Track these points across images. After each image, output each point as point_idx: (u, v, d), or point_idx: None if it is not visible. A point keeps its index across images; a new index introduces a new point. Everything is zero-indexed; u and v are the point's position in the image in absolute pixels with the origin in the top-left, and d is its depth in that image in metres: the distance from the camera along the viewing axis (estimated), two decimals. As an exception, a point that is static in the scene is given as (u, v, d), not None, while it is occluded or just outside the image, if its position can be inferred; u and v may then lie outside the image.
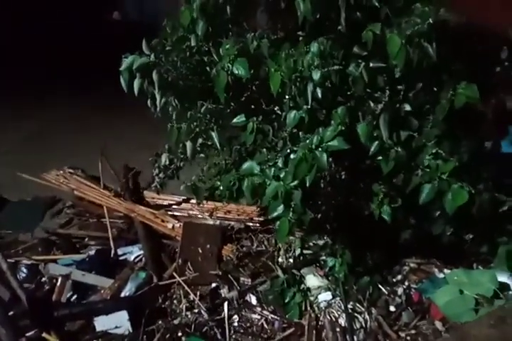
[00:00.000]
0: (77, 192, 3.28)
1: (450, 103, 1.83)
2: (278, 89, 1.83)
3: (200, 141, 2.28)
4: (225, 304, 2.27)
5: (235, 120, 2.08)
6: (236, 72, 1.85)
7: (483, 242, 2.28)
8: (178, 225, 2.89)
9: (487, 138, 2.39)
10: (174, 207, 3.17)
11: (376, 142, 1.85)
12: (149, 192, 3.19)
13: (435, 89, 1.94)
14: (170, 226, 2.90)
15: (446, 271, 2.41)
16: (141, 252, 2.81)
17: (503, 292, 2.10)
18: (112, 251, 2.80)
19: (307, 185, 1.80)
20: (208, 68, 2.09)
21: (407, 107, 1.90)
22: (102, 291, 2.51)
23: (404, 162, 1.94)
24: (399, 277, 2.45)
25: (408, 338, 2.14)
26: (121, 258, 2.81)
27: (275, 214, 1.97)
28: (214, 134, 2.15)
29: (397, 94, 1.93)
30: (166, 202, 3.21)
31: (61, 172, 3.46)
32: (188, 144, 2.25)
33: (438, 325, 2.20)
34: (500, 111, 2.45)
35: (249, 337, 2.24)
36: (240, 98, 2.15)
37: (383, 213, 1.93)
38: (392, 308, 2.28)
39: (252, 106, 2.19)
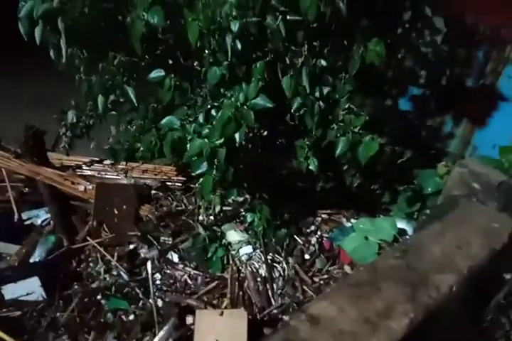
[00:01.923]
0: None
1: (361, 59, 1.92)
2: (196, 40, 1.76)
3: (112, 97, 2.14)
4: (148, 263, 2.24)
5: (151, 75, 1.96)
6: (151, 21, 1.74)
7: (385, 193, 2.52)
8: (90, 187, 2.74)
9: (389, 95, 2.59)
10: (85, 168, 2.99)
11: (298, 97, 1.90)
12: (57, 153, 2.96)
13: (347, 44, 2.01)
14: (81, 188, 2.74)
15: (353, 220, 2.63)
16: (49, 216, 2.64)
17: (402, 236, 2.36)
18: (16, 216, 2.58)
19: (237, 143, 1.81)
20: (120, 17, 1.93)
21: (323, 63, 1.95)
22: (9, 258, 2.33)
23: (323, 116, 2.03)
24: (312, 228, 2.62)
25: (321, 282, 2.33)
26: (26, 222, 2.62)
27: (199, 171, 1.96)
28: (129, 89, 2.02)
29: (314, 49, 1.98)
30: (75, 164, 3.01)
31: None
32: (100, 99, 2.09)
33: (347, 268, 2.43)
34: (399, 70, 2.64)
35: (173, 294, 2.26)
36: (155, 51, 2.04)
37: (311, 165, 2.01)
38: (307, 256, 2.45)
39: (170, 61, 2.10)
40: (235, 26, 1.69)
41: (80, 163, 3.03)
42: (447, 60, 2.67)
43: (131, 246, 2.56)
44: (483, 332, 1.87)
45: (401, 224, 2.43)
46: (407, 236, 2.41)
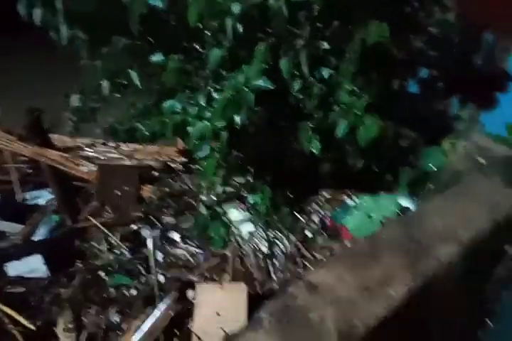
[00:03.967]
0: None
1: (363, 41, 1.89)
2: (196, 21, 1.74)
3: (116, 82, 2.13)
4: (149, 240, 2.24)
5: (154, 58, 1.95)
6: (151, 1, 1.72)
7: (388, 172, 2.50)
8: (93, 168, 2.74)
9: (396, 76, 2.55)
10: (89, 150, 2.99)
11: (298, 80, 1.88)
12: (60, 135, 2.97)
13: (350, 27, 1.98)
14: (85, 169, 2.75)
15: (356, 199, 2.62)
16: (52, 196, 2.65)
17: (404, 214, 2.36)
18: (19, 196, 2.60)
19: (238, 125, 1.80)
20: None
21: (325, 45, 1.93)
22: (12, 237, 2.35)
23: (324, 98, 2.01)
24: (315, 206, 2.61)
25: (323, 258, 2.33)
26: (30, 203, 2.63)
27: (201, 154, 1.96)
28: (134, 73, 2.01)
29: (316, 31, 1.95)
30: (79, 145, 3.02)
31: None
32: (105, 83, 2.09)
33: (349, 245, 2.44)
34: (407, 51, 2.60)
35: (175, 270, 2.27)
36: (157, 33, 2.02)
37: (313, 147, 2.00)
38: (308, 234, 2.44)
39: (172, 44, 2.07)
40: (236, 8, 1.67)
41: (84, 144, 3.04)
42: (456, 41, 2.61)
43: (134, 227, 2.57)
44: (482, 305, 1.87)
45: (404, 202, 2.40)
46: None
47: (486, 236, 1.39)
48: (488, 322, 1.93)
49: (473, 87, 2.74)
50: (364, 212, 2.37)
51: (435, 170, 2.32)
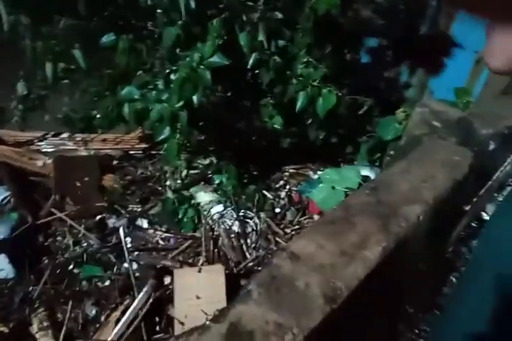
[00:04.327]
0: None
1: (314, 10, 1.90)
2: None
3: (62, 65, 2.02)
4: (121, 228, 2.19)
5: (103, 39, 1.86)
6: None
7: (348, 143, 2.57)
8: (49, 161, 2.62)
9: (348, 47, 2.59)
10: (42, 143, 2.85)
11: (254, 53, 1.86)
12: (9, 130, 2.80)
13: None
14: (40, 163, 2.61)
15: (319, 172, 2.68)
16: (8, 193, 2.52)
17: (366, 182, 2.45)
18: (-28, 196, 2.45)
19: (195, 104, 1.77)
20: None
21: (279, 15, 1.92)
22: (-31, 239, 2.22)
23: (282, 72, 2.01)
24: (281, 183, 2.66)
25: (293, 233, 2.39)
26: (-16, 202, 2.48)
27: (162, 136, 1.92)
28: (77, 53, 1.91)
29: (270, 2, 1.93)
30: (30, 139, 2.86)
31: None
32: (48, 66, 1.97)
33: (316, 218, 2.50)
34: (356, 21, 2.64)
35: (148, 256, 2.25)
36: (104, 12, 1.92)
37: (276, 123, 2.01)
38: (277, 210, 2.49)
39: (121, 23, 1.98)
40: None
41: (36, 138, 2.89)
42: (401, 8, 2.68)
43: (99, 217, 2.51)
44: (446, 261, 2.01)
45: (365, 172, 2.49)
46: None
47: (448, 195, 1.47)
48: (453, 278, 2.08)
49: (421, 54, 2.84)
50: (328, 185, 2.43)
51: (391, 138, 2.41)
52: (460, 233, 2.03)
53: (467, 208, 1.87)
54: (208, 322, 0.98)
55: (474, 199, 1.89)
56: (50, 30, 1.89)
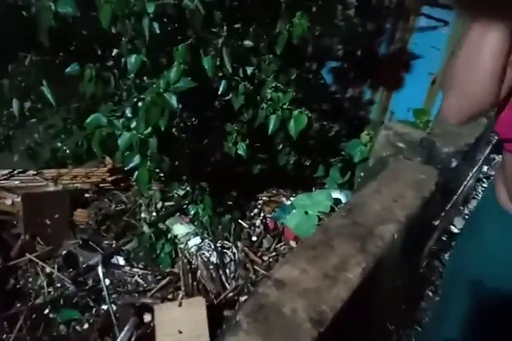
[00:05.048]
0: None
1: (289, 34, 1.97)
2: (109, 23, 1.66)
3: (28, 104, 2.00)
4: (99, 268, 2.13)
5: (68, 69, 1.86)
6: (61, 10, 1.65)
7: (318, 167, 2.64)
8: (18, 199, 2.54)
9: (311, 71, 2.71)
10: (8, 181, 2.77)
11: (224, 80, 1.91)
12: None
13: (269, 22, 2.04)
14: (8, 202, 2.54)
15: (292, 198, 2.73)
16: (-25, 236, 2.42)
17: (338, 206, 2.51)
18: None
19: (162, 129, 1.78)
20: (24, 12, 1.81)
21: (248, 42, 1.97)
22: None
23: (252, 97, 2.06)
24: (255, 211, 2.68)
25: (271, 260, 2.40)
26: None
27: (131, 164, 1.91)
28: (46, 89, 1.90)
29: (235, 30, 1.99)
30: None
31: None
32: (15, 102, 1.95)
33: (292, 243, 2.53)
34: (318, 45, 2.76)
35: (126, 296, 2.19)
36: (69, 46, 1.94)
37: (239, 150, 2.04)
38: (254, 238, 2.51)
39: (86, 53, 2.00)
40: (150, 8, 1.66)
41: (2, 175, 2.81)
42: (360, 32, 2.85)
43: (71, 256, 2.44)
44: (421, 276, 2.07)
45: (336, 195, 2.56)
46: (342, 205, 2.56)
47: (418, 212, 1.55)
48: (429, 293, 2.13)
49: (381, 72, 3.00)
50: (301, 210, 2.47)
51: (358, 160, 2.51)
52: (432, 247, 2.11)
53: (436, 223, 1.95)
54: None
55: (442, 214, 1.99)
56: (14, 67, 1.89)
